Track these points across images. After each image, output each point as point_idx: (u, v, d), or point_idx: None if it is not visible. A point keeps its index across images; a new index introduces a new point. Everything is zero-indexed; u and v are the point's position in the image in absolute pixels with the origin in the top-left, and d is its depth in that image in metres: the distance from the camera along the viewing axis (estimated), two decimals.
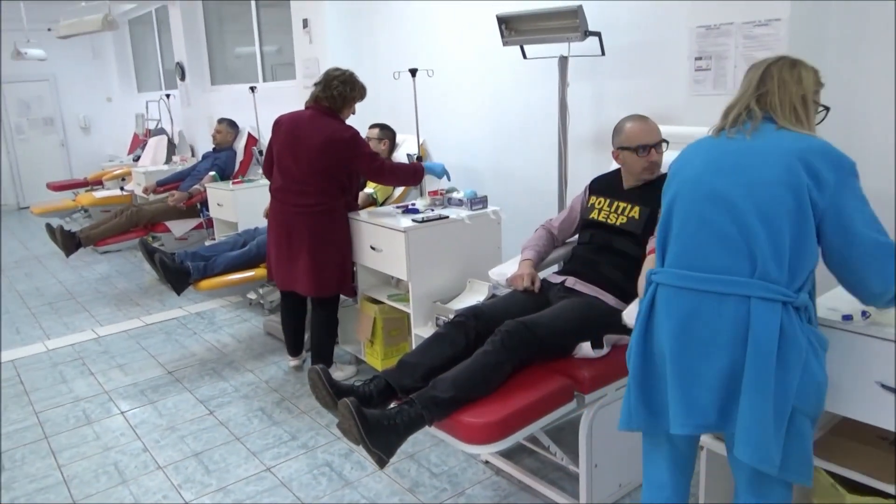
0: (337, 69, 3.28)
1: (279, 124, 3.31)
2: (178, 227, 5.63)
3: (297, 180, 3.22)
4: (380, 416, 1.97)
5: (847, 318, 1.67)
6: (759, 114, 1.62)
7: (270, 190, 3.38)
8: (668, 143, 2.44)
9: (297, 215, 3.24)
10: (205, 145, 6.86)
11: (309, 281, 3.26)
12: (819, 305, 1.69)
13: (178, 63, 7.54)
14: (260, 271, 3.97)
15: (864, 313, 1.68)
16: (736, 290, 1.51)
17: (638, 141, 2.41)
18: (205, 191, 5.30)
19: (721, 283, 1.53)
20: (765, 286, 1.49)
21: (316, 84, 3.27)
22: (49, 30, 7.61)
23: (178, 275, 3.78)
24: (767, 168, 1.52)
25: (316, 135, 3.15)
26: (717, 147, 1.65)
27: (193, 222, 5.68)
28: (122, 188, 6.92)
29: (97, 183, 7.69)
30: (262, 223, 3.93)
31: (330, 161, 3.16)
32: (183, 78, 7.51)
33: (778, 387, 1.46)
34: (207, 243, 4.60)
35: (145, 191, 6.11)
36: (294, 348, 3.67)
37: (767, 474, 1.55)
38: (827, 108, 1.71)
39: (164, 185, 6.02)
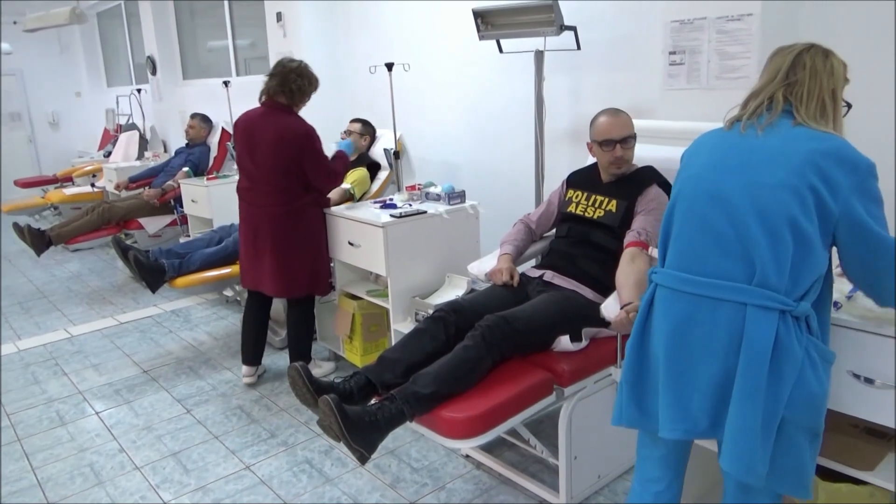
0: (291, 60, 3.19)
1: (237, 126, 3.25)
2: (152, 225, 5.55)
3: (257, 180, 3.17)
4: (361, 413, 1.97)
5: None
6: (780, 105, 1.52)
7: (237, 190, 3.32)
8: (634, 137, 2.46)
9: (263, 215, 3.19)
10: (177, 141, 6.76)
11: (274, 282, 3.22)
12: None
13: (148, 57, 7.42)
14: (236, 268, 3.91)
15: (835, 304, 1.72)
16: (732, 296, 1.46)
17: (604, 135, 2.43)
18: (178, 187, 5.23)
19: (718, 288, 1.48)
20: (762, 293, 1.42)
21: (271, 76, 3.16)
22: (15, 23, 7.44)
23: (153, 272, 3.73)
24: (773, 169, 1.45)
25: (270, 132, 3.09)
26: (725, 142, 1.57)
27: (167, 219, 5.60)
28: (93, 185, 6.78)
29: (67, 180, 7.53)
30: (238, 219, 3.90)
31: (285, 158, 3.08)
32: (154, 72, 7.39)
33: (768, 397, 1.42)
34: (182, 240, 4.55)
35: (117, 187, 6.00)
36: (252, 356, 3.43)
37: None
38: (849, 105, 1.60)
39: (137, 181, 5.93)
